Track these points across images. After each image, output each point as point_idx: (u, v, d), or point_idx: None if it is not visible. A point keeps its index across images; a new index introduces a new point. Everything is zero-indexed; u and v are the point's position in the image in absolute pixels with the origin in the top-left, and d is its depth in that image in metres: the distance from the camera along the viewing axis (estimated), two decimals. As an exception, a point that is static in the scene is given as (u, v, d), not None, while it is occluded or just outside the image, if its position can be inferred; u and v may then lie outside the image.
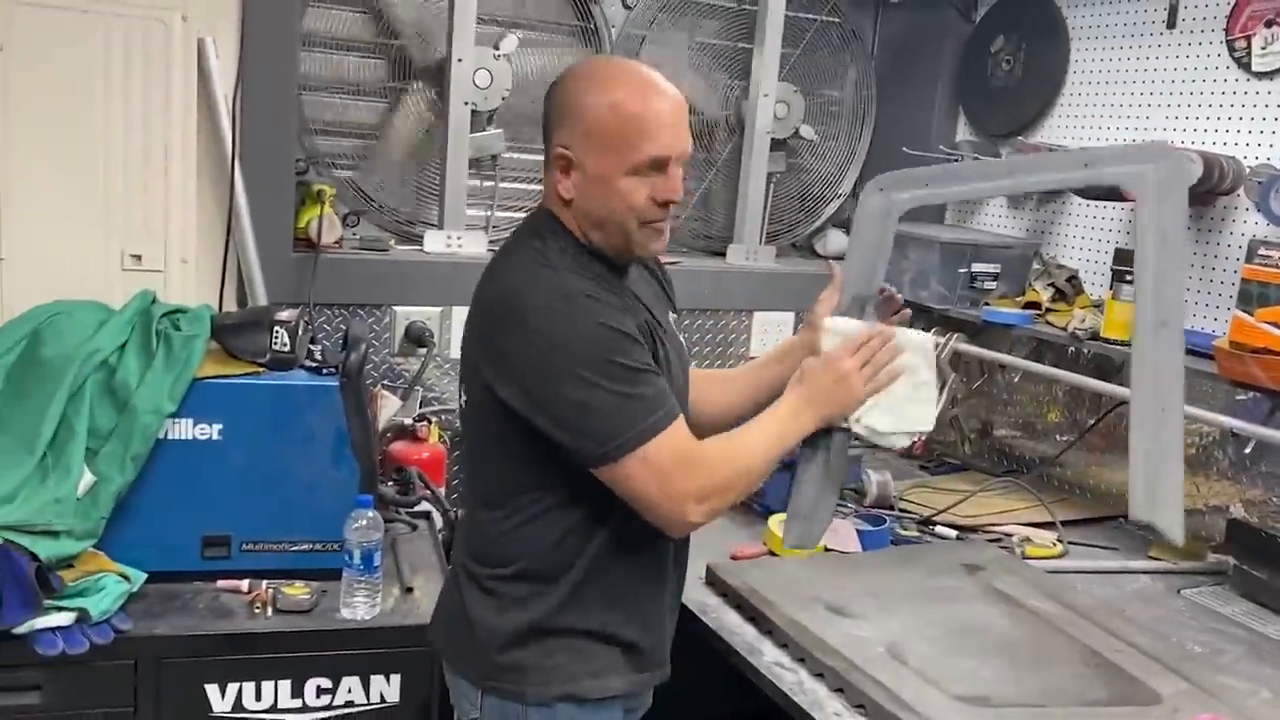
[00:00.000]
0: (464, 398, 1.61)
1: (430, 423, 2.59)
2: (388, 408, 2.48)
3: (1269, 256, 2.00)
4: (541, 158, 1.62)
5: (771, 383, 1.84)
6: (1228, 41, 2.38)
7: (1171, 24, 2.53)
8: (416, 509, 2.41)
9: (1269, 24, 2.29)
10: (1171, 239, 1.57)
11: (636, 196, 1.51)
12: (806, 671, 1.76)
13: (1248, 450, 2.32)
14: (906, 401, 1.68)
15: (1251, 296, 2.03)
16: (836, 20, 3.27)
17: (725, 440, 1.59)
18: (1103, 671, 1.79)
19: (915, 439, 1.71)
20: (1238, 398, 2.26)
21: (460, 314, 2.68)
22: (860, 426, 1.67)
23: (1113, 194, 2.45)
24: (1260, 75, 2.32)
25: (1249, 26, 2.33)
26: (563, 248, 1.54)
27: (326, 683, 1.92)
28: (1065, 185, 1.72)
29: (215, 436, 1.97)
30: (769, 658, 1.81)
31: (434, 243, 2.72)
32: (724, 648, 1.87)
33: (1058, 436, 2.81)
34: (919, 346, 1.69)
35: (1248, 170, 2.29)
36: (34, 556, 1.75)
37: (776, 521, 2.27)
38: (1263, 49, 2.30)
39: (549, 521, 1.55)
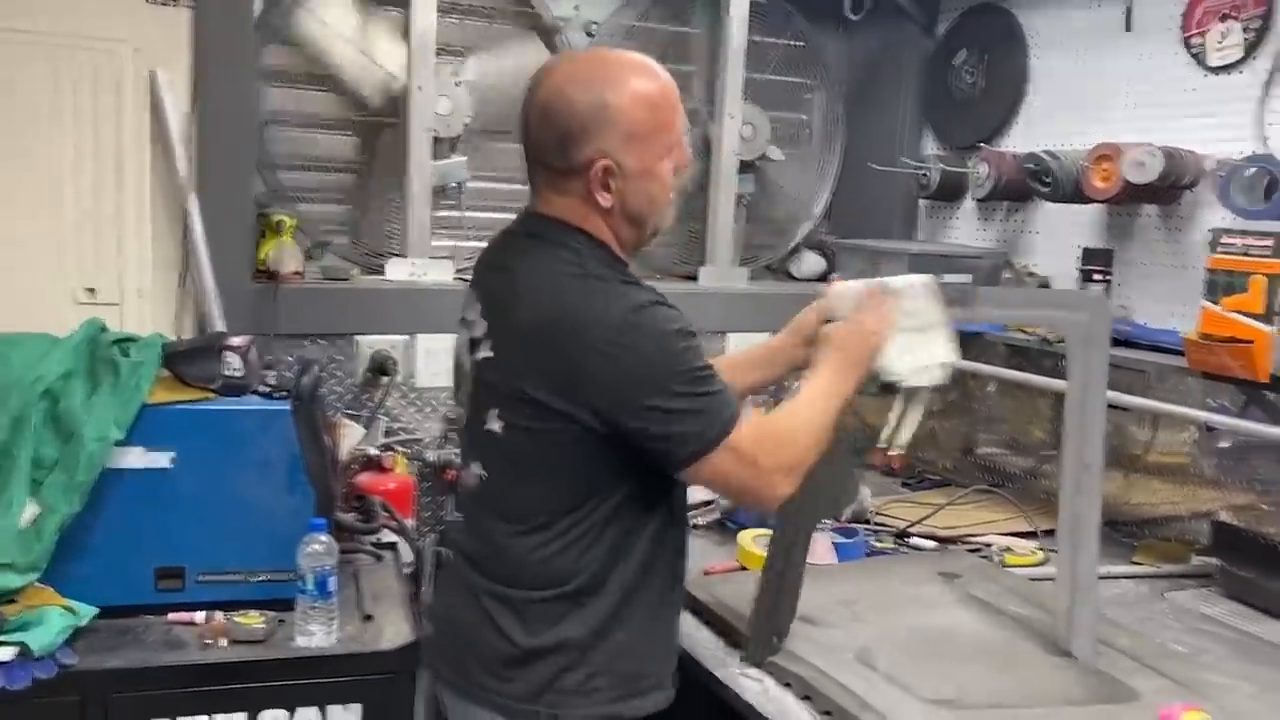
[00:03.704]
0: (496, 424, 1.53)
1: (396, 453, 2.55)
2: (350, 437, 2.44)
3: (1231, 244, 1.97)
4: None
5: (743, 390, 1.82)
6: (1184, 39, 2.38)
7: (1128, 26, 2.53)
8: (382, 541, 2.36)
9: (1223, 18, 2.28)
10: (1094, 386, 1.71)
11: (669, 175, 1.54)
12: (773, 680, 1.70)
13: (1226, 446, 2.28)
14: (923, 342, 1.68)
15: (1218, 286, 2.00)
16: (801, 44, 3.28)
17: (791, 412, 1.58)
18: (1080, 672, 1.73)
19: (945, 371, 1.70)
20: (1208, 402, 2.24)
21: (426, 341, 2.66)
22: (893, 374, 1.67)
23: (1079, 196, 2.45)
24: (1217, 70, 2.31)
25: (1204, 23, 2.33)
26: (597, 256, 1.51)
27: (283, 714, 1.85)
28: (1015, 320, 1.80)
29: (166, 465, 1.92)
30: (735, 669, 1.75)
31: (397, 271, 2.70)
32: (691, 662, 1.81)
33: (1041, 452, 2.76)
34: (917, 289, 1.68)
35: (1210, 164, 2.27)
36: (-27, 589, 1.70)
37: (748, 537, 2.22)
38: (1218, 44, 2.30)
39: (594, 539, 1.52)
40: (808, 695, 1.64)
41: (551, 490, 1.52)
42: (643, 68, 1.52)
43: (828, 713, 1.59)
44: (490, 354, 1.54)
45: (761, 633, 1.77)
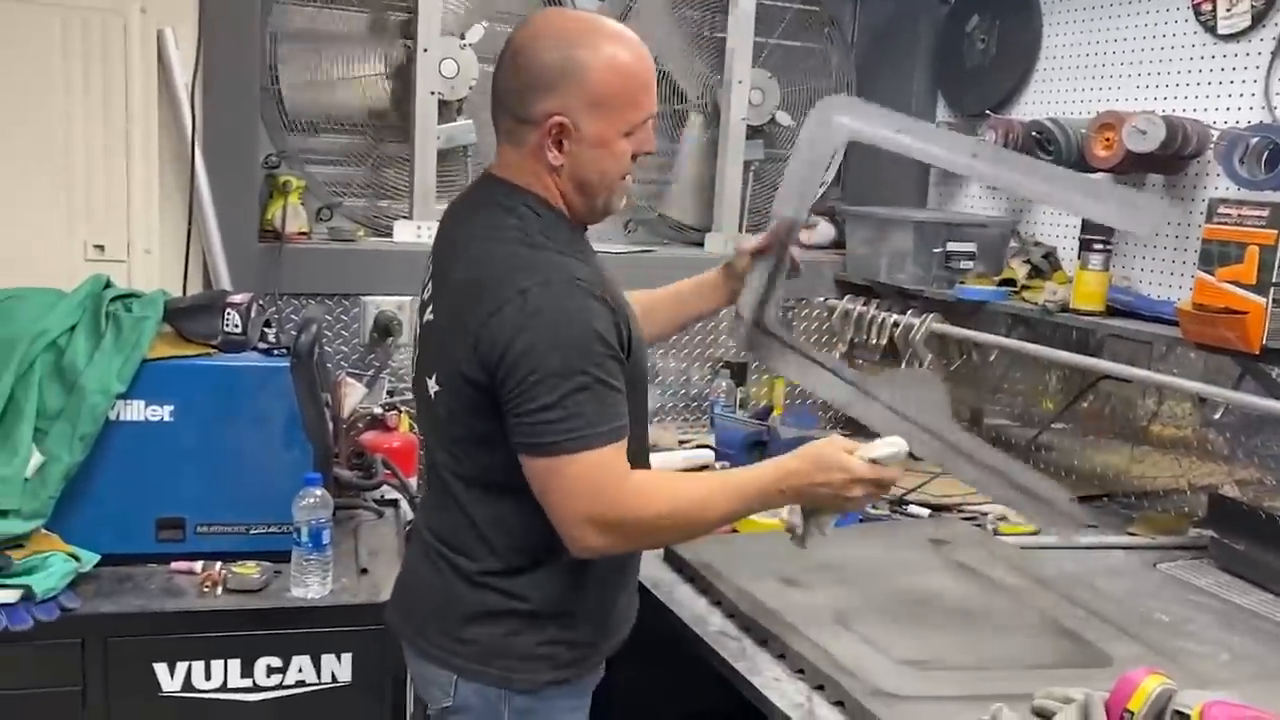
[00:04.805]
0: (434, 386, 1.53)
1: (400, 412, 2.59)
2: (353, 395, 2.48)
3: (1227, 215, 1.95)
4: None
5: (687, 318, 1.91)
6: (1194, 6, 2.34)
7: (1140, -8, 2.50)
8: (384, 498, 2.41)
9: (1233, -15, 2.25)
10: None
11: (627, 156, 1.50)
12: (751, 639, 1.73)
13: (1218, 418, 2.26)
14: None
15: (1213, 256, 1.98)
16: (815, 8, 3.26)
17: (672, 488, 1.50)
18: (1057, 638, 1.74)
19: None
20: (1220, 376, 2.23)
21: (430, 303, 2.68)
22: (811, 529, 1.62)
23: (1082, 164, 2.43)
24: (1226, 38, 2.28)
25: (1214, -11, 2.29)
26: (541, 219, 1.48)
27: (277, 662, 1.91)
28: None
29: (167, 418, 1.96)
30: (715, 627, 1.78)
31: (403, 233, 2.73)
32: (673, 620, 1.84)
33: (1053, 426, 2.75)
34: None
35: (1214, 134, 2.24)
36: (-23, 533, 1.76)
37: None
38: (1228, 11, 2.26)
39: (534, 504, 1.48)
40: (782, 654, 1.66)
41: (480, 458, 1.50)
42: (626, 40, 1.48)
43: (800, 670, 1.61)
44: (432, 317, 1.54)
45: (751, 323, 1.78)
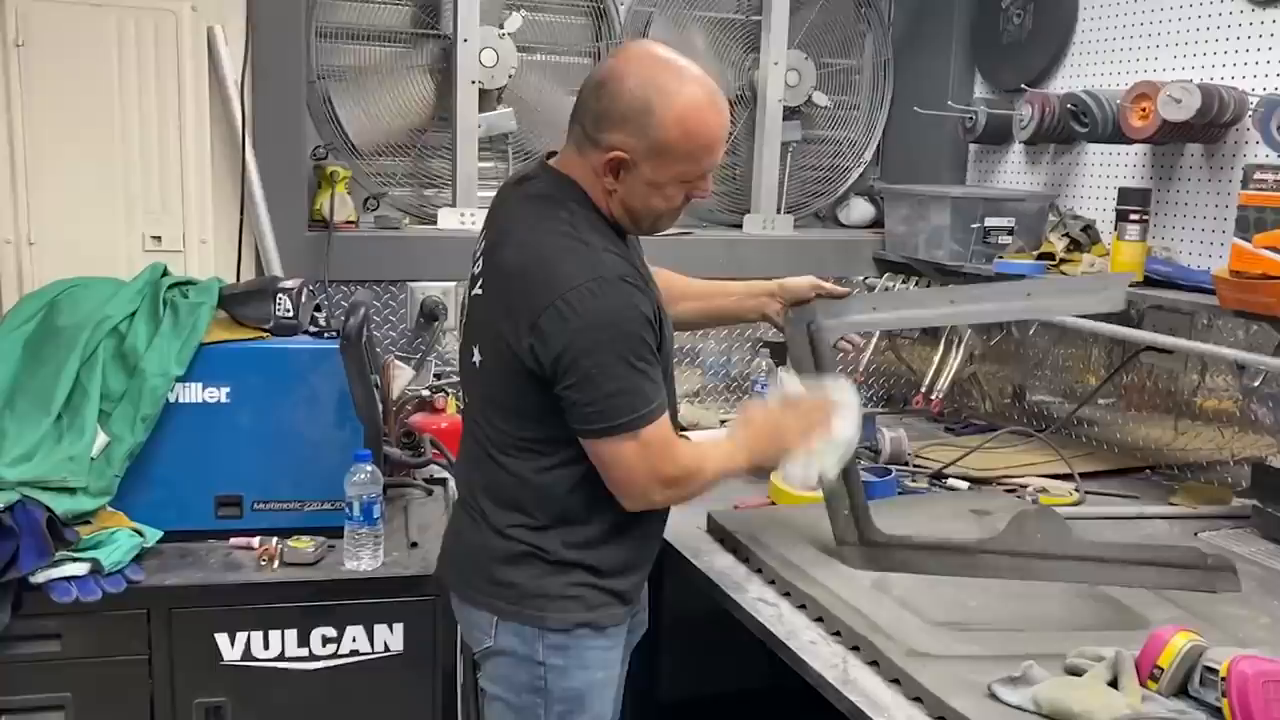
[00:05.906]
0: (478, 356, 1.66)
1: (448, 394, 2.65)
2: (401, 377, 2.55)
3: (1264, 180, 1.95)
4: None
5: (726, 315, 2.01)
6: (1232, -28, 2.33)
7: (1176, -39, 2.48)
8: (433, 477, 2.47)
9: (1271, -49, 2.23)
10: None
11: (678, 199, 1.62)
12: (789, 604, 1.77)
13: (1263, 387, 2.26)
14: (822, 453, 1.79)
15: (1249, 222, 1.98)
16: (850, -11, 3.27)
17: (695, 446, 1.71)
18: (1095, 602, 1.76)
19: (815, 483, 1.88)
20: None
21: (474, 288, 2.75)
22: (786, 479, 1.90)
23: (1119, 135, 2.42)
24: (1264, 4, 2.26)
25: (1252, -45, 2.27)
26: (589, 219, 1.60)
27: (331, 632, 1.98)
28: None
29: (224, 399, 2.04)
30: (753, 594, 1.83)
31: (447, 220, 2.79)
32: (711, 587, 1.88)
33: (1097, 400, 2.75)
34: (850, 403, 1.82)
35: (1252, 101, 2.23)
36: (48, 509, 1.84)
37: (777, 473, 2.27)
38: (1266, -24, 2.24)
39: (572, 469, 1.61)
40: (820, 617, 1.70)
41: (517, 424, 1.62)
42: (707, 97, 1.56)
43: (837, 632, 1.65)
44: (480, 291, 1.67)
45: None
